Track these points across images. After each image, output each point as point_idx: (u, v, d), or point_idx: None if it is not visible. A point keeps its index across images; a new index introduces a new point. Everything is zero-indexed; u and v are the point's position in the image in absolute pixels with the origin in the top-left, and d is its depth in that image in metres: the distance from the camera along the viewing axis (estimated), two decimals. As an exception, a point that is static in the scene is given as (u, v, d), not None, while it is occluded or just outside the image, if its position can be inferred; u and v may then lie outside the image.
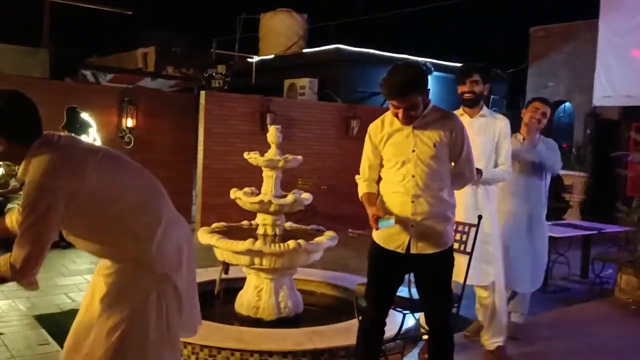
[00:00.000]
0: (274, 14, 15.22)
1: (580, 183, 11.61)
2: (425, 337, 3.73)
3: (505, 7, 15.55)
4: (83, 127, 8.60)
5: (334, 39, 13.41)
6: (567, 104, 13.48)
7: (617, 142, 11.59)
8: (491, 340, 4.08)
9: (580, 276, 7.04)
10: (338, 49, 13.06)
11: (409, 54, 13.07)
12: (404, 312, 3.53)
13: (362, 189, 3.27)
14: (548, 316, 5.40)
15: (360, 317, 3.44)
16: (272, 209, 4.55)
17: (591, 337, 4.87)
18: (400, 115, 3.01)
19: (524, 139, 4.64)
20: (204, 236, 4.55)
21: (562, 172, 11.55)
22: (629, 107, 11.52)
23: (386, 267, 3.18)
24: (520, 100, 14.04)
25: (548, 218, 4.88)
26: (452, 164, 3.19)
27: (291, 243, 4.30)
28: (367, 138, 3.25)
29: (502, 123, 4.06)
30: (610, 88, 11.23)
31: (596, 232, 6.83)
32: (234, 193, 4.68)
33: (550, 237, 6.10)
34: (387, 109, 3.17)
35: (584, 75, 11.87)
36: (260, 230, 4.70)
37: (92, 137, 8.70)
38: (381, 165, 3.22)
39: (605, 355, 4.50)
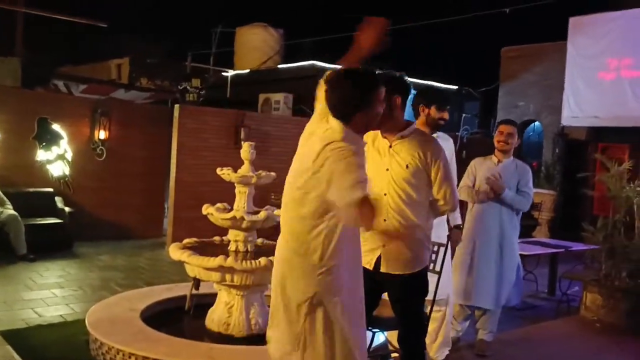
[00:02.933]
0: (249, 28, 15.28)
1: (549, 201, 11.84)
2: (395, 355, 3.76)
3: (478, 27, 15.84)
4: (54, 138, 8.52)
5: (309, 55, 13.50)
6: (536, 123, 13.74)
7: (584, 161, 11.88)
8: (440, 351, 4.26)
9: (548, 293, 7.16)
10: (313, 65, 13.15)
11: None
12: (373, 330, 3.56)
13: None
14: (516, 333, 5.48)
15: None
16: (244, 225, 4.55)
17: (557, 355, 4.95)
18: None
19: (498, 161, 4.75)
20: (175, 252, 4.53)
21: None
22: (595, 127, 11.82)
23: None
24: (492, 118, 14.30)
25: (519, 235, 5.00)
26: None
27: (263, 260, 4.30)
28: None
29: (450, 145, 4.20)
30: (578, 109, 11.52)
31: (563, 250, 6.97)
32: (206, 209, 4.66)
33: (519, 255, 6.25)
34: None
35: (553, 95, 12.15)
36: (232, 247, 4.69)
37: (63, 148, 8.61)
38: None
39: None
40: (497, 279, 4.65)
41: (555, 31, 11.98)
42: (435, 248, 3.75)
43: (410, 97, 3.31)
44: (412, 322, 3.20)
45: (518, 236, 4.94)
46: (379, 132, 3.17)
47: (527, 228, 11.39)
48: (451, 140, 4.37)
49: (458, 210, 4.36)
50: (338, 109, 2.59)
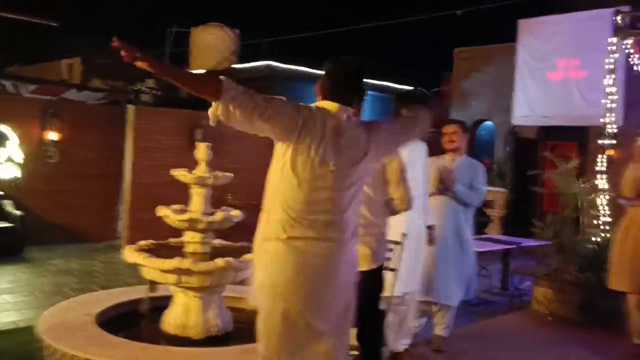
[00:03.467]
0: (205, 28, 15.16)
1: (501, 198, 12.12)
2: (354, 352, 3.81)
3: (432, 29, 16.13)
4: (0, 139, 8.28)
5: (266, 56, 13.49)
6: (488, 122, 14.05)
7: (534, 159, 12.21)
8: (400, 342, 4.33)
9: (501, 289, 7.34)
10: (270, 65, 13.13)
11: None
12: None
13: None
14: (470, 328, 5.60)
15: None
16: (200, 226, 4.53)
17: (510, 348, 5.10)
18: None
19: (452, 159, 4.88)
20: (130, 254, 4.47)
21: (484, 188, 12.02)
22: (545, 126, 12.16)
23: None
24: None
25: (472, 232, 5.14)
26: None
27: (220, 261, 4.29)
28: None
29: (423, 149, 4.39)
30: (528, 108, 11.81)
31: (515, 246, 7.16)
32: (162, 210, 4.62)
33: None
34: None
35: (504, 95, 12.43)
36: (188, 248, 4.66)
37: (11, 150, 8.38)
38: None
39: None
40: (456, 275, 4.76)
41: (505, 33, 12.28)
42: (392, 246, 3.82)
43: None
44: (369, 318, 3.24)
45: (472, 232, 5.07)
46: None
47: (480, 225, 11.64)
48: (424, 145, 4.46)
49: (429, 210, 4.51)
50: None
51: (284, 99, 2.60)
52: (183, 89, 2.71)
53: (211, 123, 2.56)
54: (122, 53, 2.45)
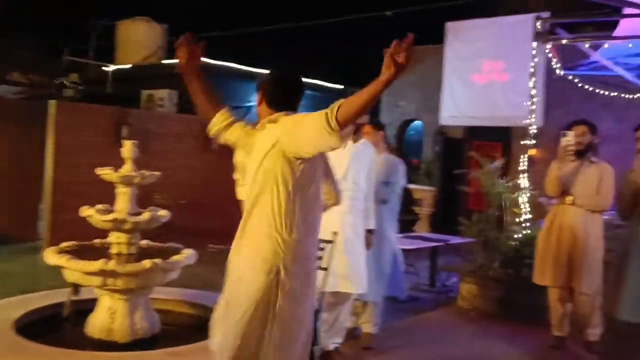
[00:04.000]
0: (131, 22, 14.73)
1: (429, 197, 12.42)
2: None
3: (363, 29, 16.31)
4: None
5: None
6: (417, 122, 14.35)
7: (461, 159, 12.57)
8: (330, 341, 4.38)
9: (429, 285, 7.52)
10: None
11: (266, 69, 13.24)
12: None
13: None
14: (399, 325, 5.71)
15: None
16: (126, 227, 4.40)
17: (436, 343, 5.23)
18: None
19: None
20: (51, 256, 4.28)
21: (412, 187, 12.31)
22: (471, 127, 12.54)
23: None
24: (375, 118, 14.76)
25: (399, 230, 5.24)
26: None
27: (147, 262, 4.18)
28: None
29: (371, 151, 4.64)
30: (455, 109, 12.14)
31: (442, 243, 7.35)
32: (85, 211, 4.46)
33: (402, 249, 6.53)
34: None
35: (432, 95, 12.72)
36: (114, 249, 4.52)
37: None
38: None
39: None
40: (375, 270, 4.84)
41: (434, 35, 12.57)
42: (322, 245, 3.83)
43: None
44: None
45: (396, 229, 5.20)
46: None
47: (408, 223, 11.91)
48: (371, 147, 4.59)
49: (372, 214, 4.55)
50: None
51: None
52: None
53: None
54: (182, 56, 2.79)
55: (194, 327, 4.89)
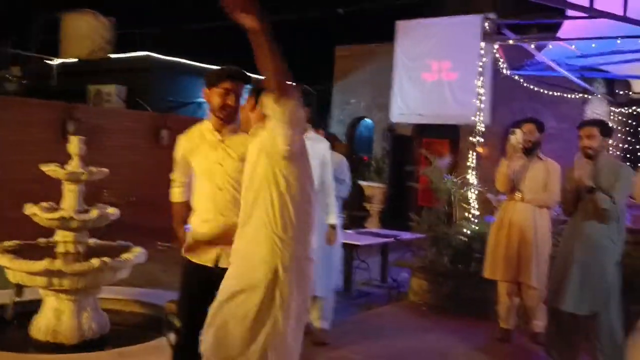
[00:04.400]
0: (77, 14, 14.31)
1: (380, 193, 12.56)
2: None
3: (313, 26, 16.33)
4: None
5: (144, 46, 13.00)
6: (367, 119, 14.47)
7: (411, 156, 12.77)
8: None
9: (380, 281, 7.60)
10: (148, 56, 12.67)
11: (220, 66, 13.08)
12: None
13: (174, 195, 3.37)
14: (351, 320, 5.75)
15: (172, 335, 3.37)
16: (74, 225, 4.28)
17: (388, 338, 5.29)
18: (229, 99, 3.08)
19: None
20: (-7, 256, 4.14)
21: (363, 183, 12.43)
22: (420, 124, 12.74)
23: (197, 282, 3.16)
24: (327, 116, 14.82)
25: (350, 226, 5.29)
26: None
27: (95, 261, 4.09)
28: (177, 147, 3.29)
29: (324, 145, 4.72)
30: (405, 106, 12.31)
31: (393, 239, 7.44)
32: (30, 208, 4.32)
33: (353, 245, 6.60)
34: (199, 119, 3.20)
35: (382, 93, 12.85)
36: (60, 249, 4.39)
37: None
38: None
39: (402, 356, 4.92)
40: (325, 266, 4.87)
41: (384, 33, 12.69)
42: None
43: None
44: None
45: (344, 225, 5.29)
46: (208, 126, 3.19)
47: (359, 219, 12.02)
48: (326, 142, 4.60)
49: (334, 209, 4.65)
50: None
51: None
52: (263, 63, 2.45)
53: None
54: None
55: (145, 327, 4.82)
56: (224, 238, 3.07)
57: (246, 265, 2.72)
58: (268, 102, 2.52)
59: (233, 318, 2.67)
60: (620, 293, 4.20)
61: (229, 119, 3.11)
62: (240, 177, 3.10)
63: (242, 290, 2.67)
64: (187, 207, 3.30)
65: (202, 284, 3.16)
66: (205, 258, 3.11)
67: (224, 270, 3.09)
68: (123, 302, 5.25)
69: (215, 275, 3.09)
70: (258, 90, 2.81)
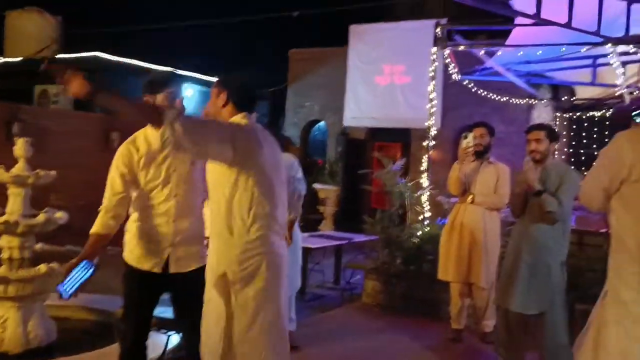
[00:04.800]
0: (22, 12, 13.90)
1: (333, 196, 12.62)
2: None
3: (267, 28, 16.28)
4: None
5: (93, 46, 12.70)
6: (321, 122, 14.53)
7: (364, 159, 12.87)
8: None
9: (334, 283, 7.63)
10: (96, 56, 12.40)
11: (172, 67, 12.93)
12: (168, 333, 3.49)
13: (96, 226, 3.16)
14: (305, 323, 5.74)
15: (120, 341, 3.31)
16: (19, 230, 4.15)
17: (344, 340, 5.32)
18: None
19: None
20: None
21: (317, 186, 12.46)
22: (374, 128, 12.88)
23: (143, 288, 3.12)
24: (281, 118, 14.82)
25: (305, 229, 5.28)
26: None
27: (42, 267, 3.97)
28: (116, 162, 3.12)
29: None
30: (358, 110, 12.43)
31: (346, 241, 7.48)
32: (-27, 213, 4.16)
33: (307, 248, 6.60)
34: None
35: (336, 97, 12.94)
36: (4, 254, 4.24)
37: None
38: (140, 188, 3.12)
39: (355, 358, 4.95)
40: (290, 266, 4.86)
41: (338, 37, 12.77)
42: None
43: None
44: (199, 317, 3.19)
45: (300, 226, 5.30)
46: (153, 132, 3.07)
47: (313, 222, 12.04)
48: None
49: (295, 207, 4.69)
50: None
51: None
52: (124, 115, 2.78)
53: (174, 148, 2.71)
54: (55, 79, 2.54)
55: (94, 334, 4.72)
56: (173, 242, 3.04)
57: (209, 271, 2.84)
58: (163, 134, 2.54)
59: (211, 323, 2.81)
60: (565, 293, 4.34)
61: None
62: (192, 181, 3.08)
63: (210, 295, 2.81)
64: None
65: (148, 289, 3.11)
66: (151, 264, 3.08)
67: (173, 274, 3.06)
68: (72, 309, 5.10)
69: (162, 279, 3.06)
70: (229, 86, 2.86)
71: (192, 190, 3.10)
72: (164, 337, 3.59)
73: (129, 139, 3.16)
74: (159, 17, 14.25)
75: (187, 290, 3.11)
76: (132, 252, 3.11)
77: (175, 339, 3.98)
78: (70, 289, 2.80)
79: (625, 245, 2.27)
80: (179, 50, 15.53)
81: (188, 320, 3.16)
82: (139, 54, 12.93)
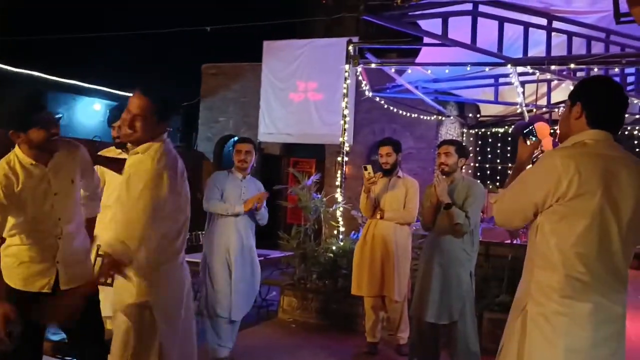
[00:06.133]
0: None
1: (249, 212, 12.49)
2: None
3: (180, 43, 16.03)
4: None
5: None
6: (236, 138, 14.40)
7: (279, 175, 12.88)
8: None
9: (249, 300, 7.52)
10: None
11: (79, 80, 12.47)
12: (66, 358, 3.32)
13: None
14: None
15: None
16: None
17: (261, 358, 5.26)
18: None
19: (243, 177, 5.53)
20: None
21: (232, 203, 12.29)
22: (288, 143, 12.92)
23: (33, 310, 2.92)
24: (193, 132, 14.57)
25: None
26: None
27: None
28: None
29: None
30: (273, 126, 12.45)
31: (262, 258, 7.41)
32: None
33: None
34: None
35: (251, 112, 12.91)
36: None
37: None
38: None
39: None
40: (246, 289, 5.21)
41: (252, 53, 12.76)
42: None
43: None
44: (96, 331, 3.08)
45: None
46: (23, 157, 2.93)
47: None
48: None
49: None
50: None
51: None
52: None
53: None
54: None
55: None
56: (59, 259, 2.96)
57: None
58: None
59: None
60: (474, 302, 4.51)
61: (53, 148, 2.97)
62: (76, 198, 3.01)
63: None
64: None
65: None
66: (39, 285, 2.94)
67: (65, 291, 2.92)
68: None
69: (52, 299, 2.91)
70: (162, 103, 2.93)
71: (74, 207, 3.05)
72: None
73: (2, 165, 2.90)
74: (64, 26, 13.69)
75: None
76: (17, 275, 2.92)
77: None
78: None
79: (550, 261, 2.26)
80: (85, 62, 14.96)
81: (86, 334, 3.04)
82: (41, 65, 12.35)
